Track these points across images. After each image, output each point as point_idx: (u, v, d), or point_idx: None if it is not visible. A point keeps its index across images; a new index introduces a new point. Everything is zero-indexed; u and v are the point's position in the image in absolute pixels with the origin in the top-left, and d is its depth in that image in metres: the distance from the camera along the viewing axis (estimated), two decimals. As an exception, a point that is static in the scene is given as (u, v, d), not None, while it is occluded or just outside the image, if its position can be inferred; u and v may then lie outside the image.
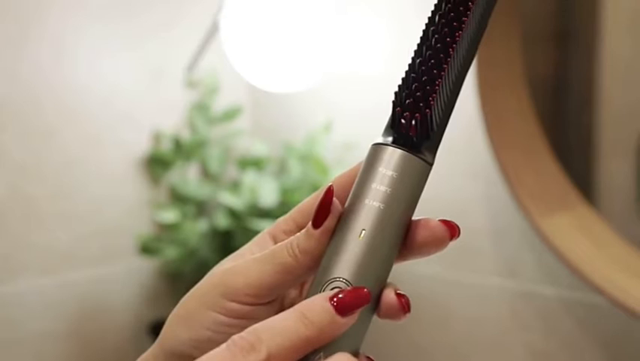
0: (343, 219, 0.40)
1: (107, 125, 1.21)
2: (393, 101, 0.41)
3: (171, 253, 1.20)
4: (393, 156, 0.40)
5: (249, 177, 1.21)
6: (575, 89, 1.01)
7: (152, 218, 1.26)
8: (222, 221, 1.20)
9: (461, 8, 0.41)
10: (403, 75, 0.41)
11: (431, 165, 0.41)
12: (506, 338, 1.06)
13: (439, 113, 0.41)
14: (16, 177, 1.12)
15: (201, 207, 1.27)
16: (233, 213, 1.20)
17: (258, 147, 1.27)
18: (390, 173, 0.40)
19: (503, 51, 0.97)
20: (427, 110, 0.40)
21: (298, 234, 0.41)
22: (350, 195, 0.41)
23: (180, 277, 1.29)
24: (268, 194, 1.18)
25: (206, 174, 1.29)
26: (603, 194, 0.99)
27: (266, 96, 1.31)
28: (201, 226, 1.21)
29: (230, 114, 1.28)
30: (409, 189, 0.40)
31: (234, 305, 0.41)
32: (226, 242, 1.22)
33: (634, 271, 0.91)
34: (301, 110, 1.30)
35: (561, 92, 1.02)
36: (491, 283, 1.06)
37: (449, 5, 0.42)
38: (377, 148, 0.42)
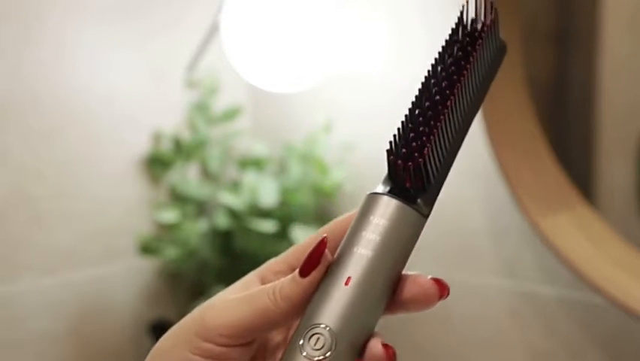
0: (332, 266, 0.39)
1: (107, 125, 1.21)
2: (388, 150, 0.41)
3: (171, 253, 1.20)
4: (386, 205, 0.40)
5: (249, 177, 1.21)
6: (574, 89, 1.01)
7: (153, 218, 1.26)
8: (222, 221, 1.20)
9: (462, 62, 0.42)
10: (399, 125, 0.41)
11: (426, 216, 0.40)
12: (506, 338, 1.06)
13: (435, 165, 0.41)
14: (16, 176, 1.12)
15: (201, 207, 1.27)
16: (233, 213, 1.20)
17: (258, 147, 1.27)
18: (382, 222, 0.39)
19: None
20: (421, 160, 0.40)
21: (283, 279, 0.40)
22: (342, 243, 0.40)
23: (180, 277, 1.29)
24: (268, 194, 1.18)
25: (207, 174, 1.29)
26: (603, 194, 1.00)
27: (266, 96, 1.31)
28: (201, 226, 1.22)
29: (231, 114, 1.28)
30: (401, 239, 0.40)
31: (208, 345, 0.40)
32: (226, 242, 1.22)
33: (634, 271, 0.91)
34: (301, 110, 1.30)
35: (561, 91, 1.02)
36: (491, 283, 1.06)
37: (451, 59, 0.42)
38: (372, 197, 0.41)
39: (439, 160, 0.41)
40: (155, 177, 1.26)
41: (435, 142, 0.40)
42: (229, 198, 1.19)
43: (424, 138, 0.40)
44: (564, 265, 0.92)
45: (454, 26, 0.43)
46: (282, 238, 1.17)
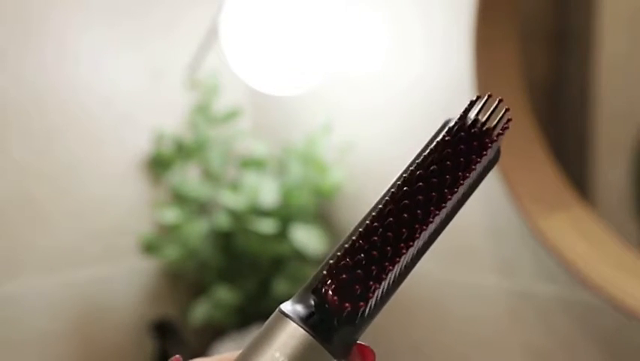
0: None
1: (108, 125, 1.22)
2: (325, 274, 0.32)
3: (172, 252, 1.21)
4: (290, 336, 0.32)
5: (250, 178, 1.21)
6: (572, 89, 1.02)
7: (153, 218, 1.26)
8: (223, 221, 1.21)
9: (451, 174, 0.33)
10: (348, 241, 0.32)
11: (341, 358, 0.32)
12: (504, 338, 1.06)
13: (377, 300, 0.33)
14: (18, 176, 1.13)
15: (202, 208, 1.28)
16: (233, 214, 1.21)
17: (258, 148, 1.28)
18: (281, 359, 0.32)
19: (502, 52, 0.98)
20: (362, 305, 0.31)
21: None
22: None
23: (181, 277, 1.30)
24: (268, 194, 1.18)
25: (207, 175, 1.30)
26: (600, 194, 1.00)
27: (266, 97, 1.32)
28: (202, 226, 1.22)
29: (231, 115, 1.28)
30: None
31: None
32: (227, 242, 1.23)
33: (631, 271, 0.91)
34: (301, 110, 1.31)
35: (558, 92, 1.03)
36: (489, 282, 1.07)
37: (435, 166, 0.33)
38: (278, 318, 0.33)
39: (382, 295, 0.33)
40: (156, 178, 1.27)
41: (387, 281, 0.32)
42: (229, 199, 1.19)
43: (373, 281, 0.31)
44: (562, 264, 0.93)
45: (452, 124, 0.33)
46: (282, 238, 1.17)
